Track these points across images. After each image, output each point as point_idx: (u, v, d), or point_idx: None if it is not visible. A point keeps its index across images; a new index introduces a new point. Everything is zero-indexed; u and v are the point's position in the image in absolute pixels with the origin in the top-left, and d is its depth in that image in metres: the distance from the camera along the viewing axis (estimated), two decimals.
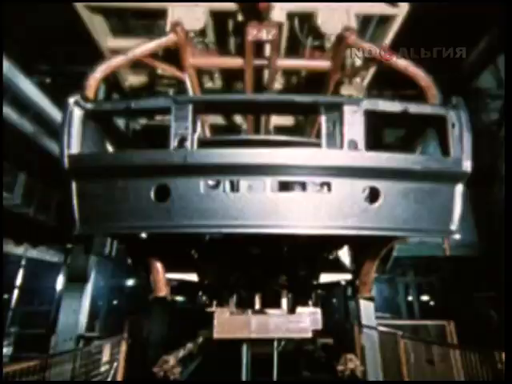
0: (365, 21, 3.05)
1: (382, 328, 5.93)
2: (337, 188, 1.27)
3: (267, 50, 2.85)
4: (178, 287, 2.32)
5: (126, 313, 8.73)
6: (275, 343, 4.20)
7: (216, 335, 3.45)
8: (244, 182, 1.40)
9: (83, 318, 4.44)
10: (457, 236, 1.39)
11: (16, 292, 6.83)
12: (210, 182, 1.30)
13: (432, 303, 10.18)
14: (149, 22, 2.97)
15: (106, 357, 4.44)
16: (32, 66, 7.48)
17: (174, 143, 1.28)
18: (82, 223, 1.32)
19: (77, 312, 4.25)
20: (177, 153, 1.25)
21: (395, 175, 1.29)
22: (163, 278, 1.92)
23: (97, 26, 2.82)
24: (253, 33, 2.45)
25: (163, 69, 2.68)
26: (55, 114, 3.53)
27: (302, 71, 3.41)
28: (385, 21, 2.97)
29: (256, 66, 2.91)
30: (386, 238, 1.66)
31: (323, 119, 1.43)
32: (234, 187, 1.38)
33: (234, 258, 2.21)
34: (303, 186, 1.39)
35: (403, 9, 2.78)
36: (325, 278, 2.22)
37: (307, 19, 2.78)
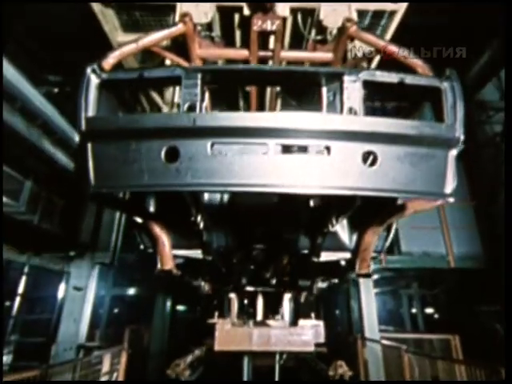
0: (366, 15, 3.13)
1: (385, 342, 5.85)
2: (336, 151, 1.33)
3: (271, 42, 2.93)
4: (183, 267, 2.38)
5: (127, 322, 8.68)
6: (277, 356, 4.20)
7: (217, 347, 3.45)
8: (249, 145, 1.44)
9: (84, 328, 4.41)
10: (451, 199, 1.43)
11: (18, 300, 6.81)
12: (218, 144, 1.35)
13: (436, 316, 10.03)
14: (158, 18, 3.08)
15: (105, 367, 4.41)
16: (40, 76, 7.64)
17: (183, 109, 1.37)
18: (96, 181, 1.36)
19: (77, 321, 4.23)
20: (186, 116, 1.32)
21: (392, 140, 1.35)
22: (169, 252, 1.98)
23: (108, 20, 2.93)
24: (258, 23, 2.56)
25: (171, 59, 2.76)
26: (62, 124, 3.58)
27: (306, 63, 3.53)
28: (384, 15, 3.06)
29: (261, 58, 2.99)
30: (385, 203, 1.76)
31: (324, 90, 1.50)
32: (240, 149, 1.41)
33: (237, 231, 2.27)
34: (304, 149, 1.45)
35: (402, 6, 2.89)
36: (325, 256, 2.29)
37: (310, 14, 2.91)
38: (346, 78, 1.42)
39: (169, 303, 7.24)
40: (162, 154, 1.33)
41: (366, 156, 1.34)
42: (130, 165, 1.35)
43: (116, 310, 10.07)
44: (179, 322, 9.46)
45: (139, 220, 1.96)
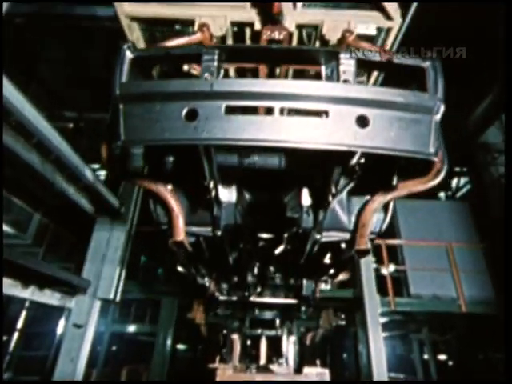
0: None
1: None
2: (333, 114, 1.57)
3: None
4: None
5: (125, 361, 8.36)
6: None
7: None
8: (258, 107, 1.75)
9: (81, 368, 4.26)
10: (434, 158, 1.65)
11: (16, 335, 6.65)
12: (231, 106, 1.60)
13: (450, 363, 9.49)
14: (177, 33, 3.40)
15: None
16: (57, 111, 8.02)
17: (202, 77, 1.67)
18: (126, 136, 1.64)
19: (75, 361, 4.10)
20: (205, 82, 1.61)
21: (381, 105, 1.58)
22: (182, 224, 2.18)
23: (134, 33, 3.21)
24: (267, 33, 2.91)
25: (188, 64, 3.01)
26: (75, 159, 3.70)
27: (310, 71, 3.85)
28: (382, 30, 3.33)
29: (269, 66, 3.26)
30: (381, 181, 2.03)
31: (323, 67, 1.79)
32: (251, 110, 1.66)
33: (244, 204, 2.48)
34: (306, 112, 1.63)
35: (396, 22, 3.14)
36: (326, 237, 2.44)
37: (314, 29, 3.22)
38: (342, 56, 1.71)
39: (169, 341, 7.01)
40: (183, 114, 1.58)
41: (360, 119, 1.56)
42: (154, 123, 1.61)
43: (114, 348, 9.74)
44: (179, 362, 9.08)
45: (156, 191, 2.17)
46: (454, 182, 10.74)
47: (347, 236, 2.39)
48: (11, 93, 2.65)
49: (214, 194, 2.16)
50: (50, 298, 3.98)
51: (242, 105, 1.59)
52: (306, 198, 2.38)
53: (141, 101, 1.65)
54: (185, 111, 1.58)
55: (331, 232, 2.40)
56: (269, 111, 1.75)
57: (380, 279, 6.80)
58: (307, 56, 1.91)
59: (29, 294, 3.58)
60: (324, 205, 2.18)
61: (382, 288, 6.67)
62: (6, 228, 4.69)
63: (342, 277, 3.90)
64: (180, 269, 3.14)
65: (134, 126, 1.64)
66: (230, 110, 1.58)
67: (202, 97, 1.59)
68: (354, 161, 1.74)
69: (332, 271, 3.24)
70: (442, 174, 1.83)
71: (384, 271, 6.91)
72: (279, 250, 3.06)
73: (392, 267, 6.99)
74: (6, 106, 2.76)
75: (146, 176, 2.15)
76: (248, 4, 3.07)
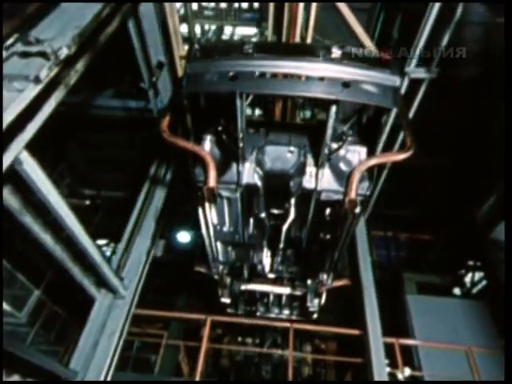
0: None
1: None
2: (327, 79, 2.49)
3: None
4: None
5: None
6: None
7: None
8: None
9: None
10: (394, 108, 2.57)
11: None
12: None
13: None
14: None
15: None
16: (77, 189, 8.48)
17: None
18: (189, 86, 2.62)
19: None
20: (246, 55, 2.55)
21: (359, 76, 2.53)
22: (214, 175, 2.71)
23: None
24: None
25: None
26: (85, 240, 3.79)
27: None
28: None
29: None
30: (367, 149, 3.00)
31: (321, 58, 2.55)
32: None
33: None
34: (308, 78, 2.55)
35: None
36: (325, 197, 3.07)
37: None
38: (334, 49, 2.55)
39: None
40: (229, 75, 2.47)
41: (344, 83, 2.45)
42: (209, 79, 2.52)
43: None
44: None
45: (197, 151, 2.79)
46: (469, 277, 10.31)
47: (341, 197, 2.97)
48: (38, 176, 2.86)
49: (241, 145, 2.82)
50: None
51: (269, 71, 2.50)
52: (309, 162, 3.02)
53: (202, 69, 2.57)
54: (231, 74, 2.48)
55: (329, 193, 3.04)
56: (285, 77, 2.55)
57: None
58: (313, 49, 2.68)
59: None
60: (322, 165, 2.92)
61: None
62: (4, 305, 4.58)
63: (339, 283, 4.63)
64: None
65: (194, 80, 2.58)
66: (260, 76, 2.49)
67: (243, 65, 2.51)
68: (334, 109, 2.54)
69: (332, 258, 3.78)
70: (411, 152, 2.61)
71: (399, 376, 6.24)
72: (288, 222, 3.47)
73: (407, 371, 6.33)
74: (31, 186, 2.96)
75: (190, 141, 2.91)
76: None
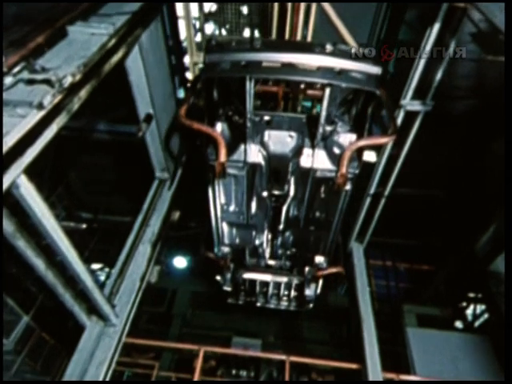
0: None
1: None
2: (321, 68, 2.96)
3: None
4: None
5: None
6: None
7: None
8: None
9: None
10: (377, 92, 2.99)
11: None
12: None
13: None
14: None
15: None
16: (74, 212, 8.45)
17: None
18: (207, 72, 3.12)
19: None
20: (254, 49, 2.99)
21: (347, 65, 2.99)
22: (225, 152, 3.12)
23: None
24: None
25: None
26: (79, 266, 3.72)
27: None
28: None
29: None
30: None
31: (317, 51, 3.02)
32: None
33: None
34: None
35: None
36: (320, 172, 3.51)
37: None
38: (328, 46, 3.01)
39: None
40: (242, 64, 2.94)
41: (339, 71, 2.91)
42: (224, 67, 2.99)
43: None
44: None
45: (209, 132, 3.20)
46: (471, 310, 10.07)
47: (334, 174, 3.40)
48: (34, 200, 2.85)
49: (248, 125, 3.23)
50: None
51: (273, 61, 2.92)
52: (306, 144, 3.42)
53: (218, 60, 3.02)
54: (243, 62, 2.93)
55: (324, 172, 3.45)
56: (286, 65, 2.94)
57: None
58: (310, 46, 3.11)
59: None
60: (317, 145, 3.35)
61: None
62: None
63: (334, 270, 4.93)
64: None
65: (211, 66, 3.05)
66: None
67: (254, 57, 2.93)
68: (328, 92, 2.98)
69: (327, 238, 4.25)
70: (394, 136, 3.13)
71: None
72: (287, 201, 3.87)
73: None
74: (26, 210, 2.95)
75: (203, 124, 3.27)
76: None
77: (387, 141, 3.29)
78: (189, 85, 8.45)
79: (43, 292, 4.47)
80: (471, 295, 9.83)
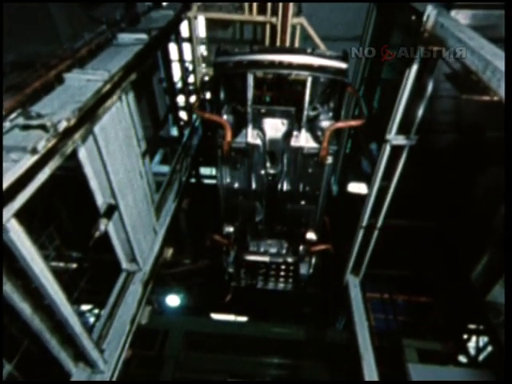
0: None
1: None
2: (304, 64, 3.82)
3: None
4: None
5: None
6: None
7: None
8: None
9: None
10: (346, 81, 3.95)
11: None
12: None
13: None
14: None
15: None
16: (65, 251, 8.28)
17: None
18: (218, 67, 3.91)
19: None
20: (253, 52, 3.85)
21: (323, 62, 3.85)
22: (230, 134, 4.16)
23: None
24: None
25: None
26: (67, 310, 3.61)
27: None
28: None
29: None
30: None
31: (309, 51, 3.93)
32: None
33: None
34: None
35: None
36: (307, 150, 4.39)
37: None
38: (308, 50, 3.87)
39: None
40: (244, 63, 3.75)
41: (319, 67, 3.78)
42: (230, 66, 3.83)
43: None
44: None
45: (218, 120, 4.16)
46: (473, 342, 9.80)
47: (317, 151, 4.32)
48: (24, 244, 2.82)
49: (249, 111, 4.10)
50: None
51: (267, 59, 3.72)
52: (295, 128, 4.29)
53: (225, 60, 3.86)
54: (244, 62, 3.75)
55: (310, 149, 4.34)
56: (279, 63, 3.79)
57: None
58: (296, 50, 4.38)
59: None
60: (303, 126, 4.21)
61: None
62: None
63: (323, 246, 5.68)
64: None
65: (220, 59, 3.88)
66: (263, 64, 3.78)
67: (251, 58, 3.76)
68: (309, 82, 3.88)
69: (316, 211, 5.12)
70: (363, 120, 4.16)
71: None
72: (282, 177, 4.67)
73: None
74: (15, 254, 2.90)
75: (212, 114, 4.29)
76: None
77: (357, 124, 4.33)
78: (184, 118, 8.66)
79: (28, 338, 4.27)
80: (472, 327, 9.62)
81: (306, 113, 4.07)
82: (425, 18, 4.01)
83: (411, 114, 4.96)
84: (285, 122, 4.33)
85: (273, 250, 5.73)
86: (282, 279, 6.14)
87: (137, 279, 5.40)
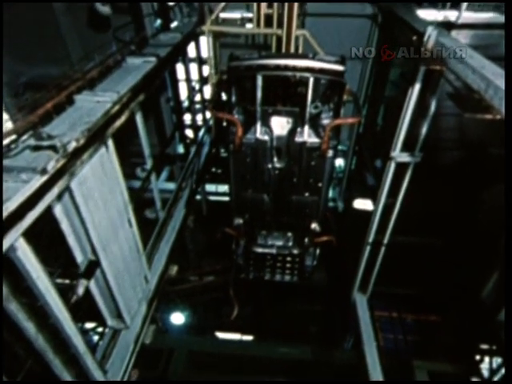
0: None
1: None
2: (307, 67, 4.15)
3: None
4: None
5: None
6: None
7: None
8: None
9: None
10: (343, 81, 4.19)
11: None
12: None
13: None
14: None
15: None
16: (68, 269, 8.25)
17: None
18: (231, 68, 4.33)
19: None
20: (262, 57, 4.28)
21: (324, 66, 4.18)
22: (242, 130, 4.53)
23: None
24: None
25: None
26: (71, 329, 3.59)
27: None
28: None
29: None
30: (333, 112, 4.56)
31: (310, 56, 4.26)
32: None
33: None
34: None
35: None
36: (310, 144, 4.63)
37: None
38: (310, 55, 4.23)
39: None
40: (253, 66, 4.15)
41: (320, 69, 4.10)
42: (241, 70, 4.25)
43: None
44: None
45: (230, 118, 4.52)
46: (486, 364, 9.46)
47: (319, 145, 4.56)
48: (31, 263, 2.84)
49: (258, 109, 4.39)
50: None
51: (274, 63, 4.08)
52: (299, 125, 4.52)
53: (237, 65, 4.25)
54: (254, 66, 4.12)
55: (312, 144, 4.56)
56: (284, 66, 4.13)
57: None
58: (299, 55, 4.81)
59: None
60: (306, 123, 4.45)
61: None
62: None
63: (325, 238, 5.66)
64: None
65: (234, 71, 4.28)
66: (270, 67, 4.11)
67: (259, 62, 4.14)
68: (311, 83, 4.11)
69: (319, 202, 5.22)
70: (359, 118, 4.63)
71: None
72: (288, 169, 4.91)
73: None
74: (21, 273, 2.92)
75: (225, 112, 4.58)
76: None
77: (355, 121, 4.91)
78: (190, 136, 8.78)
79: (32, 357, 4.21)
80: (484, 347, 9.32)
81: (308, 110, 4.34)
82: (425, 38, 4.10)
83: (415, 131, 5.00)
84: (290, 120, 4.62)
85: (279, 243, 5.90)
86: (288, 271, 6.31)
87: (141, 297, 5.37)
